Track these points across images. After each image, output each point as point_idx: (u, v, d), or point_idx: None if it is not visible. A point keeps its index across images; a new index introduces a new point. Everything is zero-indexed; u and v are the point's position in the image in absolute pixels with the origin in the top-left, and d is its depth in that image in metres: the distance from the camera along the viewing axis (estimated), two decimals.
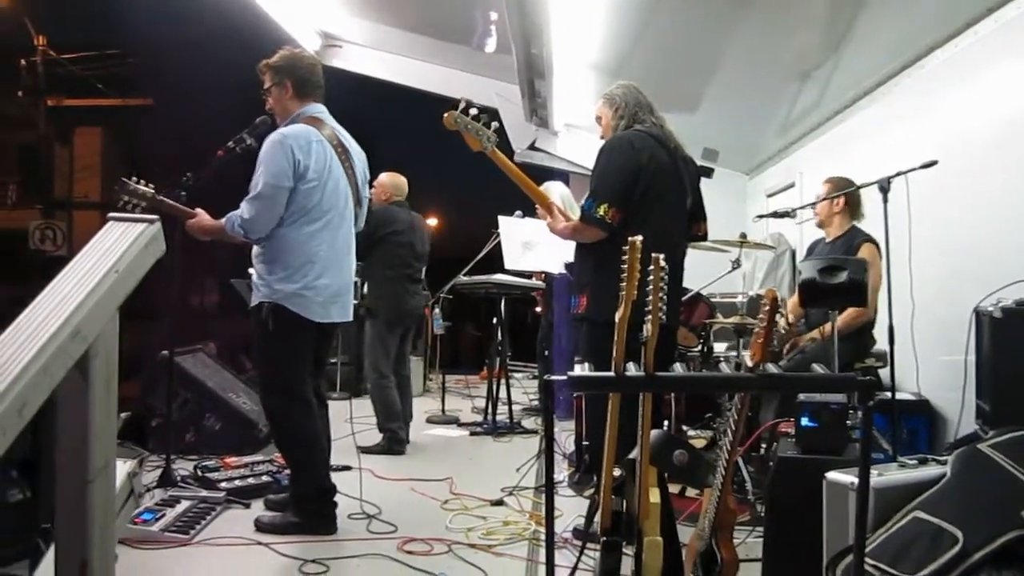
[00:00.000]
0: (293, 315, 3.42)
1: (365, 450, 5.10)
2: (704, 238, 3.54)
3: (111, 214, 1.61)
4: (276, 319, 3.42)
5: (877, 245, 4.03)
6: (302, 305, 3.43)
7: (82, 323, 1.31)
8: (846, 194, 4.28)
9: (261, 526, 3.48)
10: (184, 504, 3.63)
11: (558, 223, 3.37)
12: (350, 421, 4.78)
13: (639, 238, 1.98)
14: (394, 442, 5.25)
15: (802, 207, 4.55)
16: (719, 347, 4.91)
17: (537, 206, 3.55)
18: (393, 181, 5.62)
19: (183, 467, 4.25)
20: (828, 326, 3.72)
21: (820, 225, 4.52)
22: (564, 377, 1.99)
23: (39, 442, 2.75)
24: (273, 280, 3.43)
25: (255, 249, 3.53)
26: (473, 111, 3.29)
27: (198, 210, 3.59)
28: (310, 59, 3.68)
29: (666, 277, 1.95)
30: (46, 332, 1.23)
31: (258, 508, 3.78)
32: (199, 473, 4.08)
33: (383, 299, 5.45)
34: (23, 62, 16.99)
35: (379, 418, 5.30)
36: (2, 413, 1.09)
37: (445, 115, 3.25)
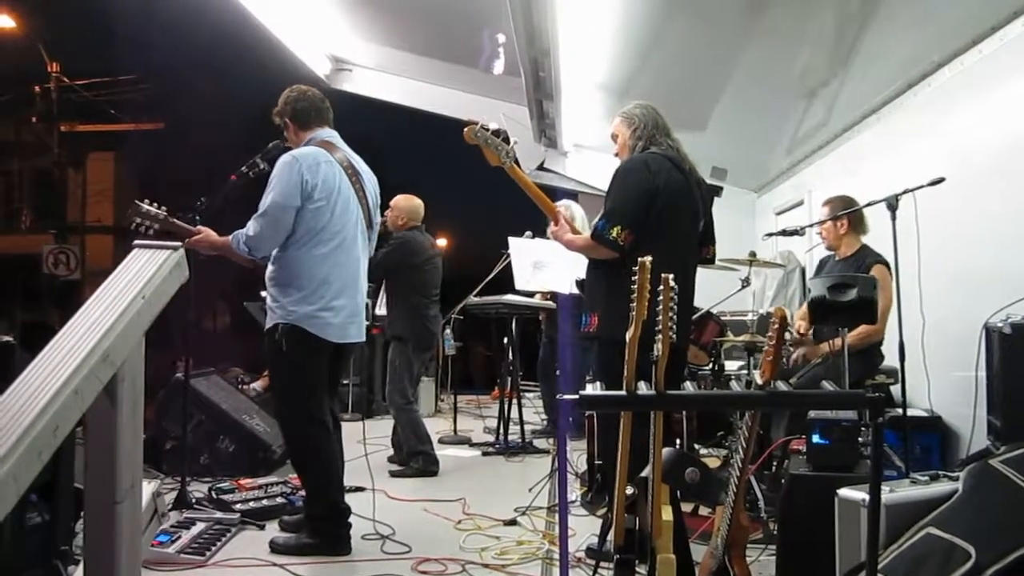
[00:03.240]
0: (310, 336, 3.46)
1: (397, 474, 5.10)
2: (712, 261, 3.57)
3: (136, 241, 1.66)
4: (292, 340, 3.45)
5: (888, 266, 3.95)
6: (320, 326, 3.47)
7: (111, 347, 1.35)
8: (848, 214, 4.29)
9: (276, 547, 3.50)
10: (199, 526, 3.65)
11: (563, 232, 3.40)
12: (363, 442, 4.81)
13: (649, 258, 2.01)
14: (429, 463, 5.24)
15: (809, 225, 4.57)
16: (730, 365, 4.91)
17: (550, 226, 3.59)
18: (410, 204, 5.51)
19: (198, 489, 4.28)
20: (837, 341, 3.73)
21: (830, 248, 4.53)
22: (576, 396, 2.01)
23: (56, 465, 2.78)
24: (288, 302, 3.47)
25: (268, 272, 3.58)
26: (493, 125, 3.36)
27: (202, 227, 3.66)
28: (296, 91, 3.73)
29: (676, 296, 1.98)
30: (78, 356, 1.27)
31: (273, 529, 3.80)
32: (214, 495, 4.10)
33: (413, 327, 5.42)
34: (37, 88, 17.18)
35: (410, 443, 5.26)
36: (39, 434, 1.13)
37: (465, 129, 3.31)
